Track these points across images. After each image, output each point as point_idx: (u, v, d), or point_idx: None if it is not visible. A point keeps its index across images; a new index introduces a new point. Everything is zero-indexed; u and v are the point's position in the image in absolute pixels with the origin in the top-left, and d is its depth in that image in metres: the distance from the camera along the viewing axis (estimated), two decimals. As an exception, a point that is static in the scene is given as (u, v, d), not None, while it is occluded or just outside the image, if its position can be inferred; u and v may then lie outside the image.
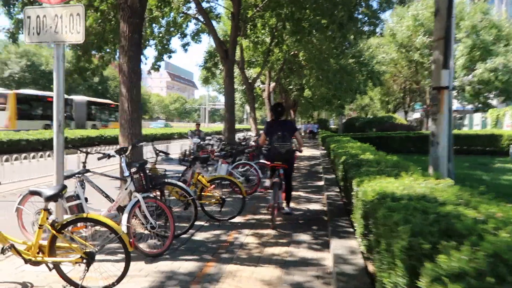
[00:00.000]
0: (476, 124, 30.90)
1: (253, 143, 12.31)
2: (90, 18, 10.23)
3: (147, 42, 17.25)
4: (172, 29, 17.39)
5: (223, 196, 6.06)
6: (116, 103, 36.03)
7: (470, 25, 29.02)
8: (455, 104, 40.54)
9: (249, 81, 17.32)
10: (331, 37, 18.61)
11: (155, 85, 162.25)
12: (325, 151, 20.19)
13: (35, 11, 4.19)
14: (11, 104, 23.46)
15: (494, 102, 32.29)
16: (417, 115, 56.41)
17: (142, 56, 17.94)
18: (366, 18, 14.79)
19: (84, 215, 3.57)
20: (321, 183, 10.29)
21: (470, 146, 18.69)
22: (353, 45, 21.25)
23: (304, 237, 5.24)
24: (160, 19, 16.75)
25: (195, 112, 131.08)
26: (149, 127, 43.05)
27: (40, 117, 25.84)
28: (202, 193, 6.08)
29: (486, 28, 29.61)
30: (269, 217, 5.97)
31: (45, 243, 3.35)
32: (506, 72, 28.84)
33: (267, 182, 6.36)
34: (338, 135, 23.33)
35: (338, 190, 8.45)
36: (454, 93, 34.51)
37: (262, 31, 17.31)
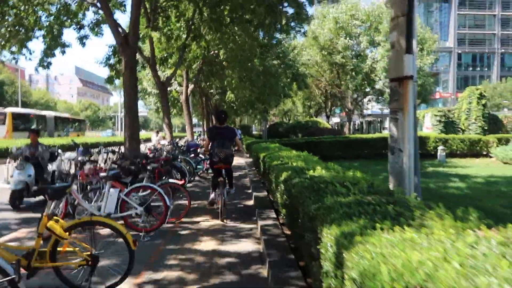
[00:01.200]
0: (397, 127, 31.47)
1: (167, 153, 9.85)
2: None
3: (32, 33, 13.93)
4: (65, 18, 14.27)
5: (96, 252, 3.56)
6: (73, 117, 51.42)
7: (388, 28, 29.20)
8: (374, 108, 41.41)
9: (162, 81, 14.69)
10: (253, 33, 16.82)
11: (64, 91, 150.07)
12: (251, 159, 18.23)
13: None
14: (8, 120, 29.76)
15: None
16: (336, 119, 57.50)
17: (26, 51, 14.53)
18: (292, 12, 13.24)
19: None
20: (251, 202, 8.14)
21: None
22: (278, 43, 19.67)
23: None
24: (48, 4, 13.58)
25: (110, 120, 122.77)
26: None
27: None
28: (57, 250, 3.52)
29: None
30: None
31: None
32: (422, 76, 29.49)
33: (212, 195, 6.69)
34: (264, 141, 21.56)
35: (274, 215, 6.33)
36: (373, 96, 34.92)
37: (177, 24, 14.86)
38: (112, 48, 15.05)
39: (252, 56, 17.22)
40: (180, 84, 22.15)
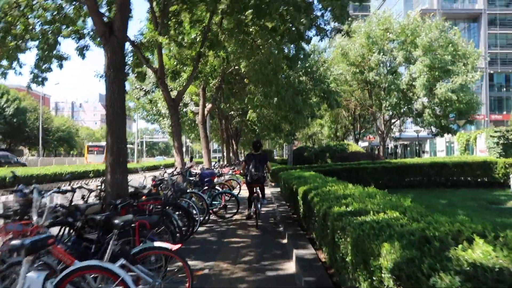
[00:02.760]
0: (441, 150, 27.98)
1: (165, 188, 7.20)
2: None
3: (25, 44, 11.77)
4: (63, 27, 12.09)
5: None
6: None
7: (427, 42, 26.39)
8: (408, 131, 38.07)
9: (172, 97, 12.20)
10: (279, 44, 14.31)
11: (88, 118, 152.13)
12: (278, 189, 15.39)
13: None
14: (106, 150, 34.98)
15: (453, 126, 29.73)
16: (364, 143, 54.11)
17: (16, 65, 12.36)
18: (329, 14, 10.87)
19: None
20: (289, 266, 5.28)
21: (459, 176, 14.78)
22: (306, 57, 17.07)
23: None
24: (42, 9, 11.43)
25: (131, 145, 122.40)
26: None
27: None
28: None
29: (443, 46, 27.21)
30: None
31: None
32: (467, 92, 26.32)
33: (249, 212, 8.92)
34: (290, 167, 18.73)
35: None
36: (409, 117, 31.75)
37: (191, 30, 12.48)
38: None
39: (278, 69, 14.66)
40: (196, 104, 19.74)
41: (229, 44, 13.71)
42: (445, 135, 28.95)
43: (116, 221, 3.45)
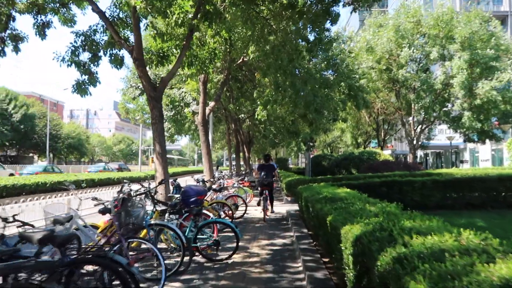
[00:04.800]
0: (485, 159, 24.25)
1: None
2: None
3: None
4: None
5: None
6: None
7: (466, 34, 22.83)
8: (439, 139, 34.24)
9: (154, 86, 9.06)
10: (299, 21, 11.22)
11: (102, 126, 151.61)
12: (296, 207, 12.13)
13: None
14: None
15: (496, 132, 25.86)
16: (387, 151, 50.19)
17: None
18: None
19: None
20: None
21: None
22: (329, 42, 13.82)
23: None
24: None
25: (144, 154, 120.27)
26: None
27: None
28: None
29: (483, 40, 23.60)
30: None
31: None
32: (513, 93, 22.60)
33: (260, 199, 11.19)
34: (309, 179, 15.44)
35: None
36: (445, 126, 28.06)
37: None
38: (82, 36, 9.73)
39: (295, 54, 11.46)
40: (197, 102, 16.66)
41: (232, 19, 10.59)
42: (487, 141, 25.20)
43: None
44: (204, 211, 6.61)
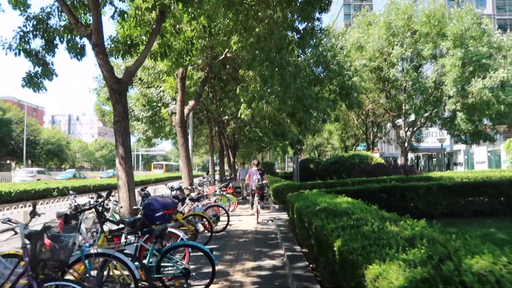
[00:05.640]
0: (480, 161, 23.27)
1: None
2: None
3: None
4: None
5: None
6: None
7: (459, 31, 21.91)
8: (428, 140, 33.38)
9: (117, 77, 7.63)
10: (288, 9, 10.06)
11: (85, 131, 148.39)
12: (285, 216, 10.82)
13: None
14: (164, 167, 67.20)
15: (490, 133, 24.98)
16: (375, 154, 49.24)
17: None
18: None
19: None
20: None
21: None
22: (324, 34, 12.58)
23: None
24: None
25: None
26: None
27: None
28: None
29: (475, 37, 22.75)
30: None
31: None
32: (509, 91, 21.73)
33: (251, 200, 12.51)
34: (300, 185, 14.15)
35: None
36: (435, 129, 27.14)
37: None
38: (33, 20, 8.25)
39: (283, 44, 10.16)
40: (174, 100, 15.23)
41: (213, 4, 9.25)
42: (482, 143, 24.30)
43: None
44: (172, 230, 5.20)
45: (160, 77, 14.84)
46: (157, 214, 5.29)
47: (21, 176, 31.81)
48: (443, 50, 23.25)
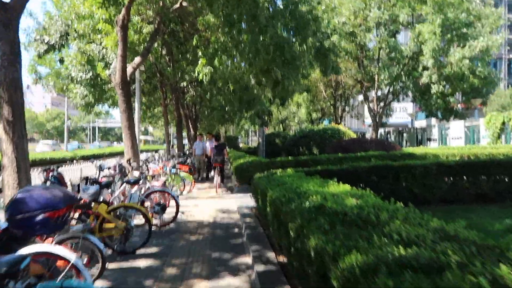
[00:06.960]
0: (457, 137, 22.16)
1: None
2: None
3: None
4: None
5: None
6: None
7: (438, -3, 20.17)
8: (397, 117, 32.21)
9: (4, 2, 5.07)
10: None
11: (36, 101, 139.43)
12: (249, 199, 8.79)
13: None
14: None
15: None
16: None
17: None
18: None
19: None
20: None
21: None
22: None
23: None
24: None
25: (83, 132, 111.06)
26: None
27: None
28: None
29: (454, 4, 21.15)
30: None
31: None
32: (487, 63, 20.49)
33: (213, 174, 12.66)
34: (267, 163, 12.16)
35: None
36: (405, 105, 25.79)
37: None
38: None
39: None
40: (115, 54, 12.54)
41: None
42: (452, 118, 23.17)
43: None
44: (52, 250, 2.94)
45: (99, 29, 12.05)
46: (36, 219, 3.02)
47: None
48: (421, 17, 21.57)
